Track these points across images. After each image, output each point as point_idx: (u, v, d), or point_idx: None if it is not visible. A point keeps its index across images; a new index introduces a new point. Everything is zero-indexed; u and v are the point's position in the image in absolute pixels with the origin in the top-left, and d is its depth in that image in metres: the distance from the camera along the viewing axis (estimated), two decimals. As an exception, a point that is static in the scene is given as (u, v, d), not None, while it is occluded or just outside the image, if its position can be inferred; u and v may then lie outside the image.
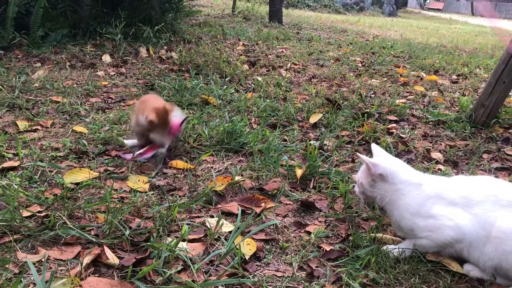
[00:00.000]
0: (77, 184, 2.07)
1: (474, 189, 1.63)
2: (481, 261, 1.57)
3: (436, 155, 2.80)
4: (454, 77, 5.56)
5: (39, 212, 1.79)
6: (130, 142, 2.54)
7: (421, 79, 5.25)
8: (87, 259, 1.53)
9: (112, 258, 1.56)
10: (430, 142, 3.07)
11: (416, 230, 1.65)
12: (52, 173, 2.16)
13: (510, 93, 3.44)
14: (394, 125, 3.34)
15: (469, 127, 3.29)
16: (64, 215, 1.76)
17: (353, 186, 2.20)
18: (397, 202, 1.69)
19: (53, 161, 2.31)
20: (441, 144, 3.05)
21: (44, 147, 2.45)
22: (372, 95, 4.22)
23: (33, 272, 1.33)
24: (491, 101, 3.28)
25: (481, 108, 3.35)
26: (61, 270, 1.51)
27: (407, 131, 3.24)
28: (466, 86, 5.00)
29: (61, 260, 1.56)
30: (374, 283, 1.55)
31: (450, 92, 4.65)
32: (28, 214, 1.77)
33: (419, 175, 1.74)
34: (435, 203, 1.63)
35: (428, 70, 5.88)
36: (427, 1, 50.50)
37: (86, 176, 2.12)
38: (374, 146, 1.86)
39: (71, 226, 1.70)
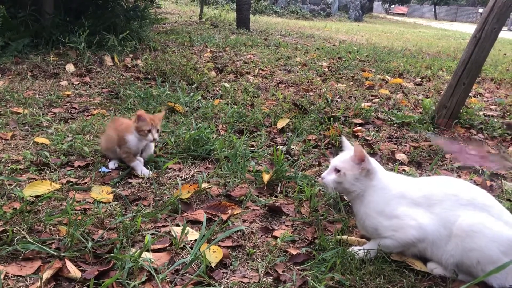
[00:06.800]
0: (37, 197, 2.01)
1: (435, 188, 1.66)
2: (443, 259, 1.60)
3: (400, 156, 2.85)
4: (418, 79, 5.70)
5: (-4, 227, 1.73)
6: (112, 164, 2.46)
7: (386, 82, 5.35)
8: (47, 274, 1.48)
9: (74, 271, 1.52)
10: (395, 144, 3.13)
11: (380, 230, 1.67)
12: (12, 187, 2.09)
13: (470, 94, 3.54)
14: (359, 128, 3.39)
15: (432, 128, 3.36)
16: (23, 229, 1.70)
17: (319, 189, 2.23)
18: (365, 199, 1.71)
19: (13, 174, 2.23)
20: (405, 145, 3.10)
21: (3, 160, 2.37)
22: (339, 99, 4.27)
23: (-12, 290, 1.28)
24: (452, 102, 3.37)
25: (443, 109, 3.43)
26: (20, 286, 1.46)
27: (372, 133, 3.29)
28: (429, 88, 5.13)
29: (20, 276, 1.50)
30: (340, 285, 1.56)
31: (414, 94, 4.75)
32: (-15, 229, 1.70)
33: (387, 175, 1.77)
34: (399, 203, 1.65)
35: (393, 73, 6.01)
36: (392, 6, 51.74)
37: (48, 189, 2.06)
38: (344, 139, 1.87)
39: (31, 240, 1.64)
